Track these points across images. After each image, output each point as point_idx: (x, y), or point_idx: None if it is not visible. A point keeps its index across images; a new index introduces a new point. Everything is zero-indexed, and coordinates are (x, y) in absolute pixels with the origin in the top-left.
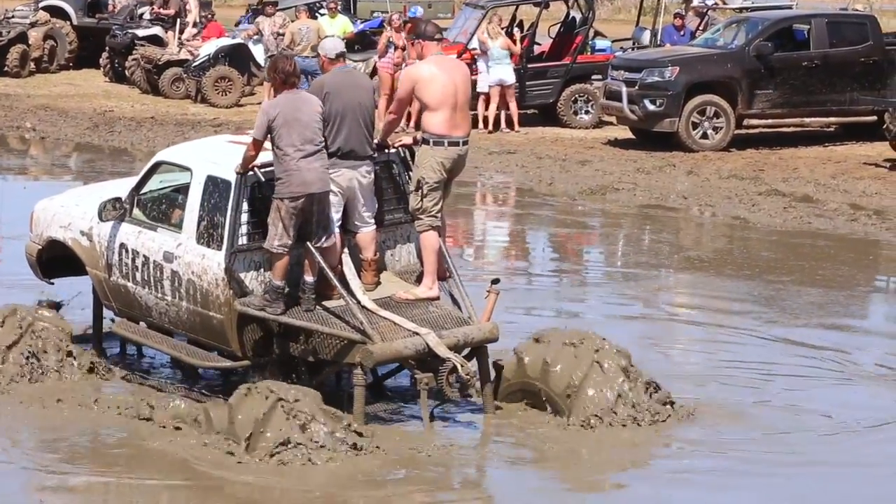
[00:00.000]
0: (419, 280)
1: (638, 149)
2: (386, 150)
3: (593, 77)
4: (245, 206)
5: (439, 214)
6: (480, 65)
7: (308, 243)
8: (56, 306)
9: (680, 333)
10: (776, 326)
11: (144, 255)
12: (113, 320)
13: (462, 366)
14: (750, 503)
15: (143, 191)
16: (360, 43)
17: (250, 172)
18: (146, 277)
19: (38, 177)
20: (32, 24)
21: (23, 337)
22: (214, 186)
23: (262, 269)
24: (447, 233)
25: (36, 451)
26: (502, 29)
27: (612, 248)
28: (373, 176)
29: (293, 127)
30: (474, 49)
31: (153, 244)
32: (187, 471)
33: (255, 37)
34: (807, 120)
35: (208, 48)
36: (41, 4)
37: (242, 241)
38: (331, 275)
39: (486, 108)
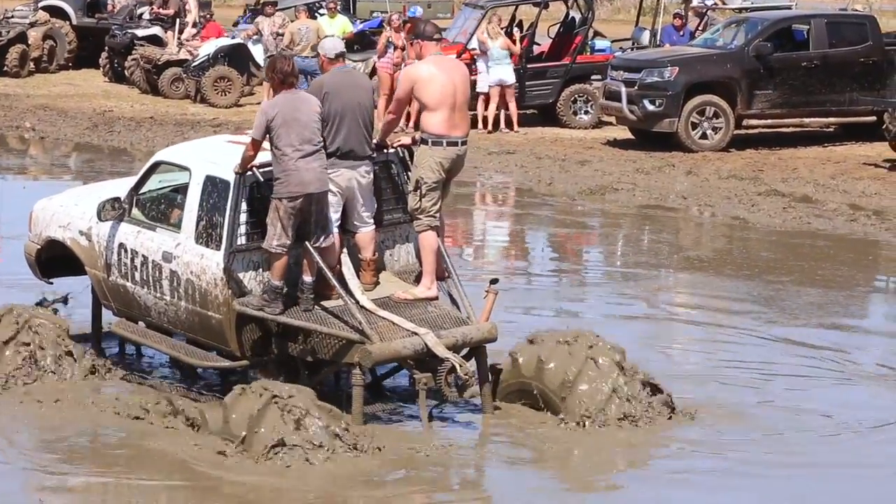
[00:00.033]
0: (418, 280)
1: (637, 149)
2: (385, 150)
3: (593, 77)
4: (244, 205)
5: (438, 214)
6: (480, 65)
7: (307, 243)
8: (64, 300)
9: (679, 333)
10: (776, 326)
11: (143, 255)
12: (110, 324)
13: (461, 366)
14: None
15: (142, 191)
16: (360, 43)
17: (249, 172)
18: (145, 277)
19: (38, 177)
20: (32, 24)
21: (19, 333)
22: (213, 186)
23: (260, 269)
24: (446, 233)
25: (35, 451)
26: (502, 29)
27: (611, 249)
28: (372, 176)
29: (292, 127)
30: (474, 49)
31: (152, 244)
32: (186, 471)
33: (255, 37)
34: (806, 120)
35: (208, 48)
36: (40, 4)
37: (241, 240)
38: (329, 275)
39: (486, 109)
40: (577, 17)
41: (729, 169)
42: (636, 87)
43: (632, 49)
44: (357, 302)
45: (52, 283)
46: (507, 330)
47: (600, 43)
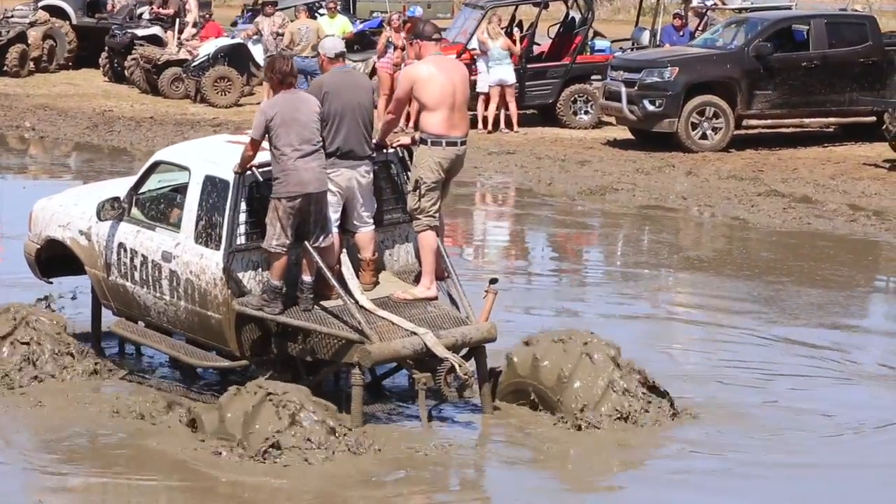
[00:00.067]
0: (417, 280)
1: (637, 149)
2: (384, 150)
3: (592, 77)
4: (243, 205)
5: (437, 214)
6: (480, 65)
7: (306, 243)
8: (73, 296)
9: (679, 333)
10: (776, 326)
11: (143, 255)
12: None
13: (460, 366)
14: None
15: (141, 190)
16: (360, 43)
17: (248, 172)
18: (144, 277)
19: (38, 176)
20: (32, 24)
21: (16, 329)
22: (213, 186)
23: (260, 269)
24: (446, 233)
25: (34, 452)
26: (502, 29)
27: (611, 249)
28: (372, 176)
29: (291, 127)
30: (474, 49)
31: (151, 244)
32: (186, 471)
33: (255, 37)
34: (806, 120)
35: (208, 48)
36: (40, 4)
37: (241, 240)
38: (329, 275)
39: (486, 109)
40: (577, 17)
41: (729, 169)
42: (636, 88)
43: (632, 49)
44: (356, 302)
45: (51, 283)
46: (507, 330)
47: (600, 43)
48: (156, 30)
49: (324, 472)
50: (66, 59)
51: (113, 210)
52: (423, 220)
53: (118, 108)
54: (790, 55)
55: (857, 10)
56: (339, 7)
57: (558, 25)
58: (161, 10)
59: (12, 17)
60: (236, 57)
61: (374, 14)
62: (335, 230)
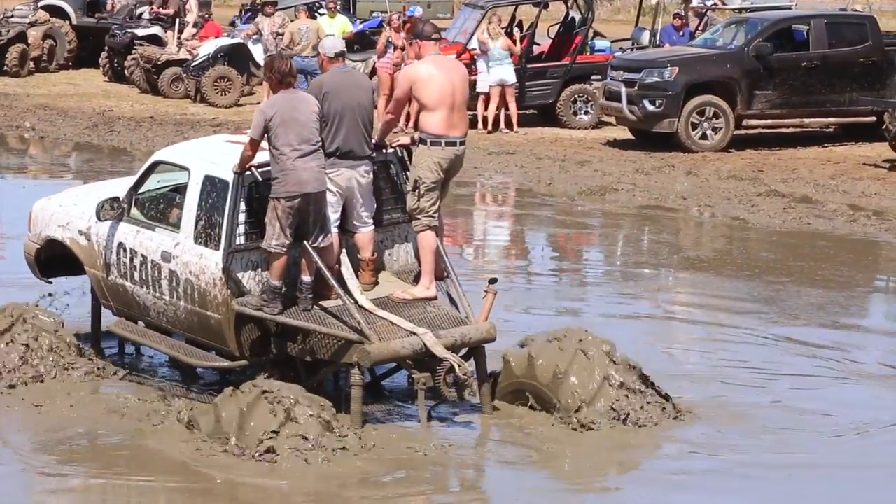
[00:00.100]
0: (417, 280)
1: (637, 149)
2: (383, 150)
3: (592, 77)
4: (242, 205)
5: (437, 214)
6: (480, 65)
7: (305, 243)
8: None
9: (680, 333)
10: (776, 326)
11: (142, 255)
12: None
13: (459, 366)
14: None
15: (140, 190)
16: (360, 43)
17: (248, 172)
18: (144, 277)
19: (38, 176)
20: (32, 24)
21: (13, 326)
22: (212, 186)
23: (259, 269)
24: (445, 233)
25: (33, 453)
26: (502, 29)
27: (611, 249)
28: (371, 176)
29: (290, 126)
30: (474, 49)
31: (151, 244)
32: (186, 472)
33: (255, 37)
34: (806, 120)
35: (208, 48)
36: (40, 4)
37: (240, 240)
38: (328, 275)
39: (486, 109)
40: (577, 17)
41: (729, 169)
42: (636, 88)
43: (632, 49)
44: (356, 302)
45: (51, 283)
46: (507, 329)
47: (600, 43)
48: (156, 30)
49: (323, 472)
50: (66, 58)
51: (112, 210)
52: (422, 220)
53: (118, 108)
54: (790, 55)
55: (857, 10)
56: (339, 7)
57: (558, 25)
58: (161, 9)
59: (12, 16)
60: (236, 57)
61: (374, 14)
62: (334, 230)
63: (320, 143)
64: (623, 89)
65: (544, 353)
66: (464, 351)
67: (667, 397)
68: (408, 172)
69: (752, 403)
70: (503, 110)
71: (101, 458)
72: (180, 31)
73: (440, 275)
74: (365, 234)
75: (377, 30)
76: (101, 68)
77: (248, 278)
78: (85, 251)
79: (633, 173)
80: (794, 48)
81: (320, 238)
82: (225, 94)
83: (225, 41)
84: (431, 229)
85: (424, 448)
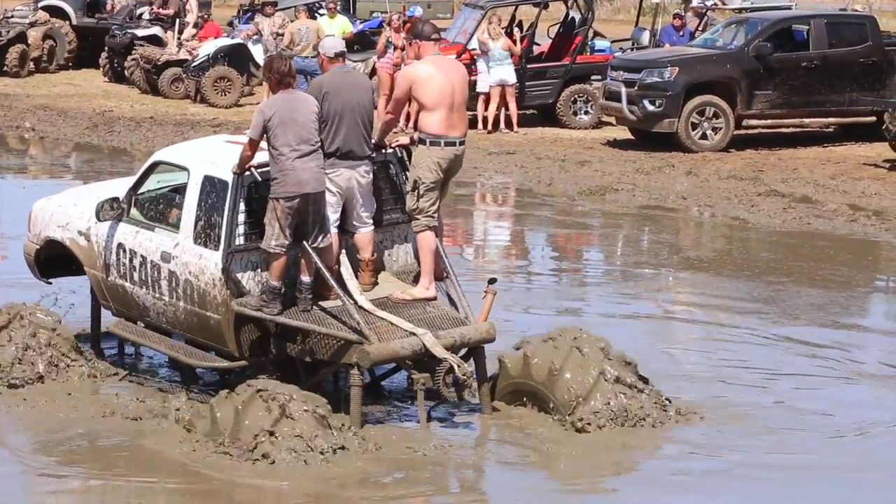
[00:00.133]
0: (416, 280)
1: (637, 149)
2: (383, 151)
3: (592, 77)
4: (242, 206)
5: (436, 215)
6: (480, 65)
7: (304, 243)
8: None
9: (680, 333)
10: (777, 326)
11: (142, 255)
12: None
13: (459, 366)
14: None
15: (140, 191)
16: (360, 43)
17: (247, 172)
18: (144, 277)
19: (38, 176)
20: (32, 24)
21: (11, 323)
22: (211, 186)
23: (259, 270)
24: (445, 233)
25: (33, 454)
26: (502, 29)
27: (611, 249)
28: (371, 176)
29: (289, 127)
30: (474, 49)
31: (151, 244)
32: (186, 473)
33: (255, 37)
34: (806, 120)
35: (208, 48)
36: (40, 4)
37: (239, 241)
38: (328, 275)
39: (486, 109)
40: (577, 17)
41: (729, 169)
42: (636, 88)
43: (632, 49)
44: (355, 302)
45: (50, 283)
46: (506, 329)
47: (600, 43)
48: (156, 30)
49: (323, 472)
50: (66, 59)
51: (112, 210)
52: (421, 221)
53: (118, 109)
54: (790, 55)
55: (857, 10)
56: (338, 7)
57: (558, 25)
58: (161, 10)
59: (12, 17)
60: (236, 57)
61: (374, 14)
62: (334, 230)
63: (319, 144)
64: (623, 89)
65: (539, 352)
66: (463, 351)
67: (669, 403)
68: (407, 173)
69: (752, 403)
70: (503, 110)
71: (101, 458)
72: (180, 32)
73: (440, 275)
74: (364, 234)
75: (377, 30)
76: (101, 69)
77: (247, 279)
78: (84, 252)
79: (633, 173)
80: (794, 48)
81: (319, 238)
82: (225, 95)
83: (225, 41)
84: (431, 229)
85: (424, 448)
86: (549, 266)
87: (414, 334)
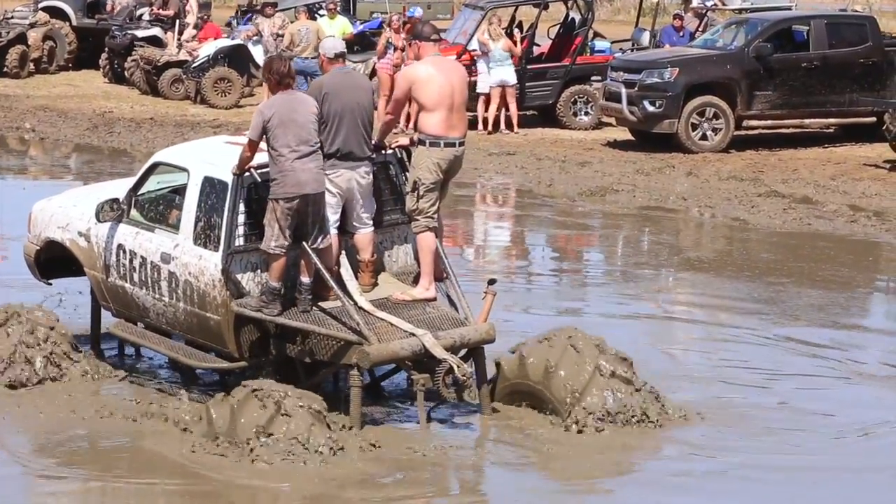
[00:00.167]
0: (416, 281)
1: (637, 150)
2: (383, 151)
3: (592, 78)
4: (242, 207)
5: (436, 215)
6: (480, 66)
7: (304, 244)
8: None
9: (680, 334)
10: (777, 327)
11: (142, 256)
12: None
13: (458, 367)
14: None
15: (140, 192)
16: (360, 44)
17: (247, 173)
18: (143, 278)
19: (38, 177)
20: (32, 25)
21: (8, 321)
22: (211, 187)
23: (258, 271)
24: (445, 234)
25: (33, 455)
26: (503, 30)
27: (611, 249)
28: (371, 177)
29: (289, 127)
30: (474, 50)
31: (150, 245)
32: (185, 474)
33: (255, 38)
34: (806, 121)
35: (208, 49)
36: (40, 5)
37: (239, 242)
38: (327, 276)
39: (486, 110)
40: (577, 18)
41: (729, 170)
42: (636, 89)
43: (632, 50)
44: (355, 303)
45: (51, 284)
46: (506, 330)
47: (600, 44)
48: (156, 31)
49: (322, 473)
50: (66, 60)
51: (112, 211)
52: (421, 222)
53: (118, 110)
54: (790, 56)
55: (857, 11)
56: (339, 8)
57: (558, 26)
58: (161, 11)
59: (12, 18)
60: (236, 58)
61: (374, 15)
62: (334, 231)
63: (319, 145)
64: (623, 90)
65: (535, 352)
66: (463, 352)
67: (668, 404)
68: (407, 173)
69: (753, 404)
70: (503, 111)
71: (101, 460)
72: (180, 33)
73: (439, 276)
74: (364, 235)
75: (377, 31)
76: (101, 69)
77: (247, 279)
78: (84, 252)
79: (633, 174)
80: (794, 49)
81: (319, 239)
82: (225, 96)
83: (225, 42)
84: (431, 230)
85: (424, 449)
86: (549, 267)
87: (414, 335)
